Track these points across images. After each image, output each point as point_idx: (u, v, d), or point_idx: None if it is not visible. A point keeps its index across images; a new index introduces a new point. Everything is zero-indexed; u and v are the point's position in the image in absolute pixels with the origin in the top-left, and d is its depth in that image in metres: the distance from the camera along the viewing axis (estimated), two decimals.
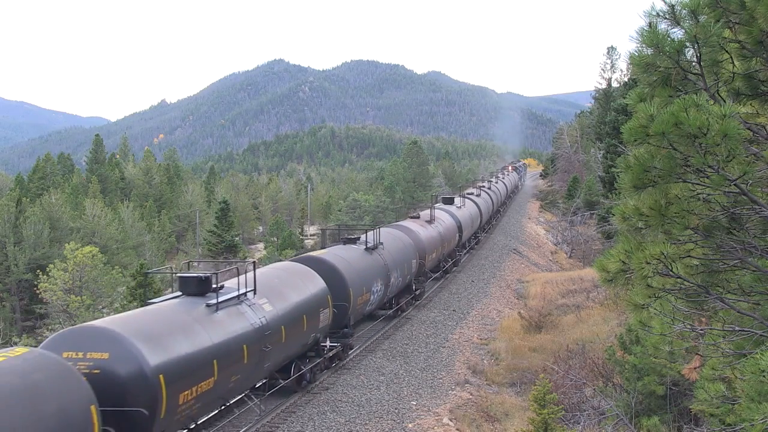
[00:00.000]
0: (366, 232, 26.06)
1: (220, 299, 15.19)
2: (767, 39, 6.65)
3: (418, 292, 30.73)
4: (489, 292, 35.41)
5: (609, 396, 16.66)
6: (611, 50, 76.03)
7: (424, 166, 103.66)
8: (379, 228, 27.66)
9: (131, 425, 11.74)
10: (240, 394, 16.70)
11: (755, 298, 7.12)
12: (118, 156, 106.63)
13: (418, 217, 35.37)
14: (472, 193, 50.99)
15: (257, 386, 17.65)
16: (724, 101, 6.75)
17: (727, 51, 6.75)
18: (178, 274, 16.06)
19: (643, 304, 7.01)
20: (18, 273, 48.19)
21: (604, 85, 73.38)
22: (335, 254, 22.71)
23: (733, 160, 6.13)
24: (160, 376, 12.16)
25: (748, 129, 6.78)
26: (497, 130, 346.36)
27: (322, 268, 20.89)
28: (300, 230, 79.97)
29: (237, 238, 61.36)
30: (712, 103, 6.19)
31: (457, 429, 17.48)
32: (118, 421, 11.53)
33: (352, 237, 25.91)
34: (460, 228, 39.63)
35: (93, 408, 10.73)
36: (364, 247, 24.89)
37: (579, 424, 16.06)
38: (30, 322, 46.81)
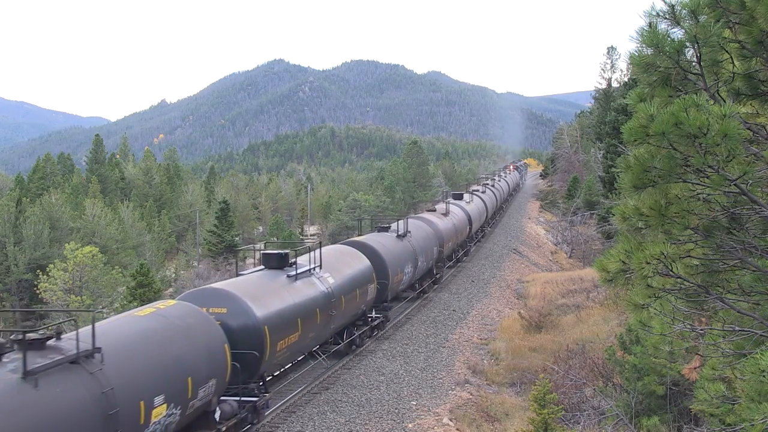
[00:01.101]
0: (398, 222, 29.99)
1: (298, 271, 18.78)
2: (767, 39, 6.65)
3: (438, 276, 34.92)
4: (489, 292, 35.40)
5: (609, 396, 16.66)
6: (611, 50, 75.97)
7: (424, 166, 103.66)
8: (407, 218, 31.49)
9: (247, 363, 15.31)
10: (309, 350, 20.21)
11: (755, 298, 7.12)
12: (118, 156, 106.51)
13: (435, 211, 38.65)
14: (477, 190, 54.00)
15: (314, 349, 20.68)
16: (724, 101, 6.75)
17: (727, 51, 6.75)
18: (263, 251, 19.84)
19: (643, 304, 7.01)
20: (18, 273, 48.17)
21: (604, 85, 73.30)
22: (375, 240, 26.33)
23: (733, 160, 6.13)
24: (265, 327, 15.76)
25: (748, 129, 6.78)
26: (497, 130, 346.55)
27: (366, 251, 24.48)
28: (300, 230, 79.95)
29: (237, 238, 61.37)
30: (712, 103, 6.19)
31: (457, 429, 17.48)
32: (239, 359, 15.00)
33: (385, 225, 29.84)
34: (470, 221, 42.96)
35: (226, 347, 14.37)
36: (396, 234, 28.56)
37: (579, 424, 16.05)
38: (30, 322, 46.77)
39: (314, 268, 19.79)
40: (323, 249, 21.60)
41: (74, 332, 10.87)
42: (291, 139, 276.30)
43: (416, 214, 38.89)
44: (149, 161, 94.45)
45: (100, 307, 37.55)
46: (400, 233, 28.77)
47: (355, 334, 22.76)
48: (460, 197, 46.69)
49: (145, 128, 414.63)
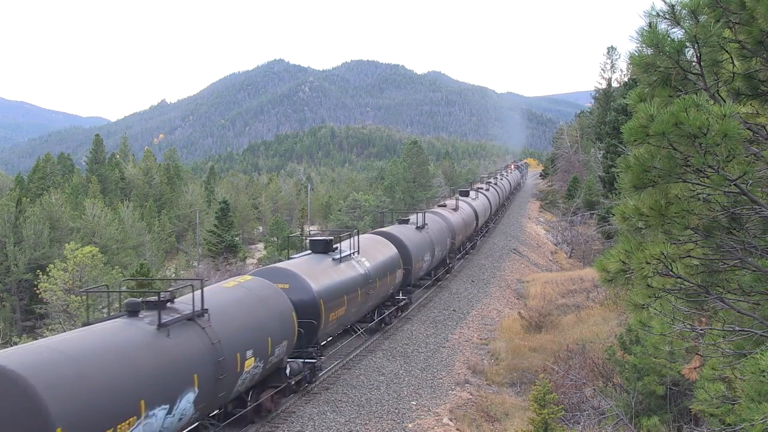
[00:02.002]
0: (417, 215, 33.27)
1: (341, 255, 21.72)
2: (767, 39, 6.64)
3: (450, 266, 37.95)
4: (489, 292, 35.39)
5: (609, 396, 16.65)
6: (611, 50, 75.88)
7: (424, 166, 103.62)
8: (425, 212, 34.72)
9: (307, 329, 18.22)
10: (350, 324, 23.28)
11: (755, 298, 7.12)
12: (118, 156, 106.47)
13: (446, 206, 41.49)
14: (482, 188, 57.36)
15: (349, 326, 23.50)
16: (724, 101, 6.74)
17: (727, 51, 6.74)
18: (309, 238, 23.20)
19: (643, 304, 7.00)
20: (18, 273, 48.13)
21: (604, 85, 73.23)
22: (399, 230, 29.39)
23: (733, 160, 6.12)
24: (321, 300, 18.72)
25: (748, 129, 6.77)
26: (497, 130, 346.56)
27: (393, 240, 27.50)
28: (300, 230, 79.86)
29: (237, 238, 61.33)
30: (712, 103, 6.18)
31: (457, 429, 17.47)
32: (301, 326, 17.71)
33: (405, 218, 33.21)
34: (476, 216, 46.18)
35: (293, 315, 17.28)
36: (415, 226, 31.68)
37: (579, 424, 16.05)
38: (30, 322, 46.77)
39: (353, 253, 22.64)
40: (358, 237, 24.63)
41: (186, 296, 14.24)
42: (291, 139, 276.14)
43: (430, 209, 41.49)
44: (149, 161, 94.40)
45: (101, 306, 37.52)
46: (419, 225, 31.89)
47: (385, 313, 25.83)
48: (466, 194, 49.50)
49: (145, 128, 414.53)
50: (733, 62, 6.85)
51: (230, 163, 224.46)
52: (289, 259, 21.44)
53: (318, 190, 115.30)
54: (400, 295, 27.76)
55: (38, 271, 41.39)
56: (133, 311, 12.88)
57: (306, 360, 18.37)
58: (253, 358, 14.95)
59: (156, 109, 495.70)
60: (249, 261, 61.11)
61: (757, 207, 6.62)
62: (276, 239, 68.22)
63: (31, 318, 46.97)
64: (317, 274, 19.64)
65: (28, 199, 58.67)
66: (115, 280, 39.08)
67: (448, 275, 37.36)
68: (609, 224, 35.24)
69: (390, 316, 26.42)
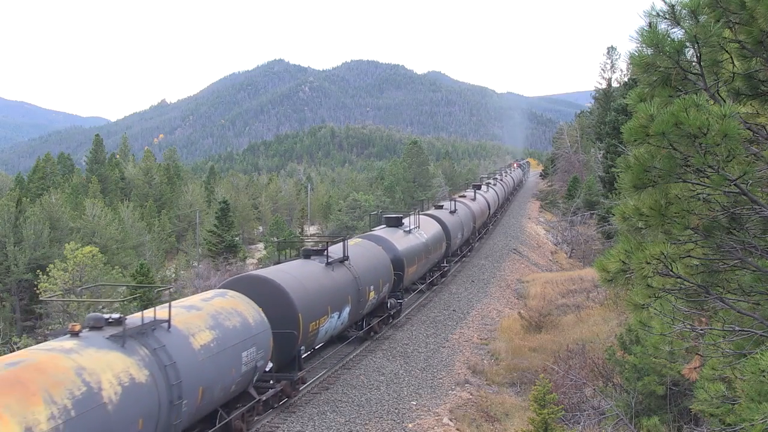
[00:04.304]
0: (450, 201, 41.86)
1: (410, 228, 29.58)
2: (767, 39, 6.64)
3: (472, 245, 46.80)
4: (489, 292, 35.37)
5: (609, 396, 16.64)
6: (611, 50, 75.86)
7: (424, 166, 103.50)
8: (454, 200, 42.74)
9: (396, 280, 25.79)
10: (414, 282, 30.51)
11: (755, 298, 7.11)
12: (118, 156, 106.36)
13: (465, 197, 48.75)
14: (490, 183, 65.18)
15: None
16: (724, 101, 6.74)
17: (727, 51, 6.74)
18: (385, 216, 31.10)
19: (643, 304, 7.00)
20: (18, 273, 48.08)
21: (604, 85, 73.18)
22: (440, 213, 37.79)
23: (733, 160, 6.12)
24: (404, 258, 26.51)
25: (748, 129, 6.77)
26: (497, 130, 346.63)
27: (437, 220, 35.35)
28: (300, 230, 79.80)
29: (237, 238, 61.29)
30: (712, 103, 6.18)
31: (457, 429, 17.46)
32: (393, 277, 25.22)
33: (440, 204, 42.11)
34: (488, 205, 54.02)
35: (391, 266, 24.92)
36: (449, 211, 39.33)
37: (579, 424, 16.04)
38: (30, 322, 46.74)
39: (416, 228, 30.06)
40: (411, 217, 31.84)
41: (332, 247, 21.53)
42: (291, 139, 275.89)
43: (456, 198, 47.33)
44: (149, 161, 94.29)
45: (101, 306, 37.53)
46: (452, 210, 39.39)
47: (434, 276, 34.16)
48: (479, 188, 56.51)
49: (145, 128, 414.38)
50: (733, 62, 6.85)
51: (230, 163, 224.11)
52: (371, 230, 28.83)
53: (318, 190, 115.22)
54: (444, 262, 35.77)
55: (38, 271, 41.37)
56: (307, 255, 20.79)
57: (397, 300, 26.08)
58: (372, 292, 22.50)
59: (156, 109, 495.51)
60: (249, 261, 61.09)
61: (757, 207, 6.61)
62: (276, 239, 68.11)
63: (31, 318, 46.93)
64: (398, 240, 27.27)
65: (28, 199, 58.62)
66: (115, 279, 39.09)
67: (470, 253, 45.19)
68: (609, 224, 35.26)
69: (437, 279, 34.79)
